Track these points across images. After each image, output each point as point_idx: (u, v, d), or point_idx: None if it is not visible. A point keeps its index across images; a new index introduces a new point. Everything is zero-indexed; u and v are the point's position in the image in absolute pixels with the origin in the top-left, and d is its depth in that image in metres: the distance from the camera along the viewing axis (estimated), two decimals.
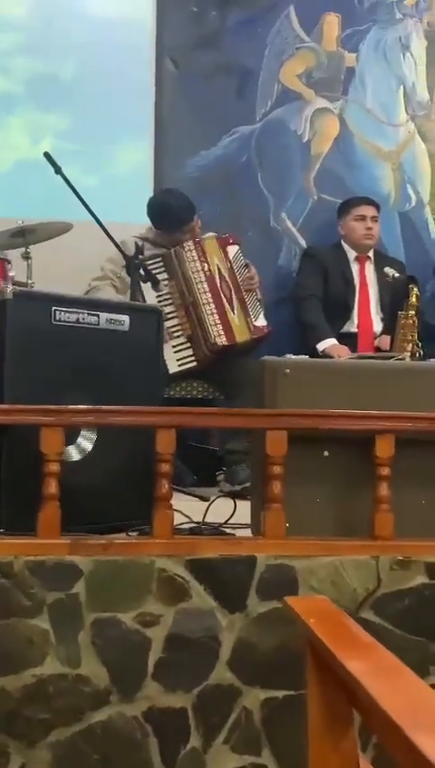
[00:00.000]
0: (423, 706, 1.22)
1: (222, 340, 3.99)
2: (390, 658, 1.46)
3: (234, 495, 3.00)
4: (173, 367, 3.91)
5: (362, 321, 4.54)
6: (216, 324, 4.00)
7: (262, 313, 4.17)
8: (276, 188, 4.86)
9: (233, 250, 4.20)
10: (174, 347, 3.97)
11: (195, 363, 4.02)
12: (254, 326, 4.10)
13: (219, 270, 4.11)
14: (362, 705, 1.36)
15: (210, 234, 4.23)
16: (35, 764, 2.41)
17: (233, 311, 4.06)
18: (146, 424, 2.59)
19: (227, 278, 4.12)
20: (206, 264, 4.07)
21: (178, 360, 3.99)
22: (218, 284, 4.07)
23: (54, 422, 2.51)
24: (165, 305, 3.96)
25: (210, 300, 4.02)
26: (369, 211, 4.60)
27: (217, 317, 4.01)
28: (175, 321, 4.01)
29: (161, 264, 4.06)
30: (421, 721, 1.15)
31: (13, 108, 4.83)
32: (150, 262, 3.97)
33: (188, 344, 4.03)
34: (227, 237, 4.22)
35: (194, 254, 4.06)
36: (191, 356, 4.02)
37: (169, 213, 4.23)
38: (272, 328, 4.19)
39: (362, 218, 4.58)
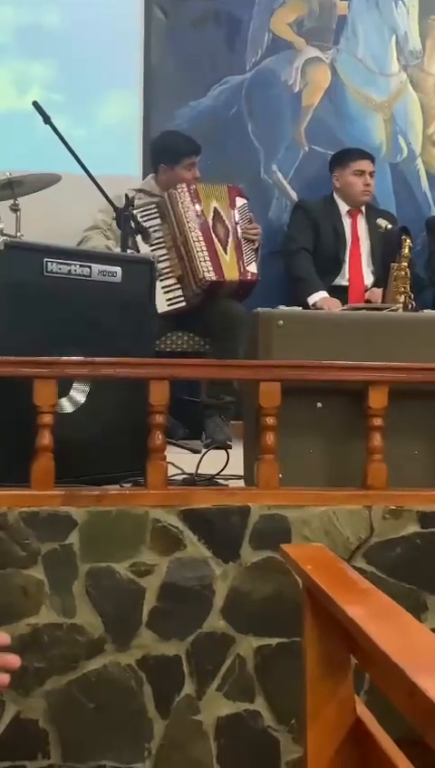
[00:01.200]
0: (423, 648, 1.23)
1: (211, 276, 4.01)
2: (388, 602, 1.47)
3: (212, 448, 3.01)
4: (162, 307, 3.91)
5: (353, 274, 4.52)
6: (205, 260, 4.02)
7: (254, 263, 4.18)
8: (267, 140, 4.81)
9: (241, 202, 4.24)
10: (163, 288, 3.99)
11: (184, 303, 4.05)
12: (245, 269, 4.11)
13: (217, 212, 4.14)
14: (362, 648, 1.37)
15: (224, 185, 4.25)
16: (30, 713, 2.43)
17: (226, 251, 4.08)
18: (139, 376, 2.58)
19: (227, 222, 4.14)
20: (198, 205, 4.10)
21: (167, 300, 4.01)
22: (210, 225, 4.10)
23: (47, 374, 2.50)
24: (157, 248, 3.97)
25: (200, 237, 4.05)
26: (368, 166, 4.56)
27: (207, 254, 4.05)
28: (166, 264, 4.03)
29: (155, 209, 4.07)
30: (422, 662, 1.16)
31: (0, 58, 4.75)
32: (144, 209, 3.98)
33: (178, 285, 4.06)
34: (235, 188, 4.26)
35: (186, 195, 4.10)
36: (180, 296, 4.05)
37: (175, 143, 4.31)
38: (260, 278, 4.19)
39: (361, 173, 4.54)
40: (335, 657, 1.66)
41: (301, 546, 2.31)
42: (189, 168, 4.26)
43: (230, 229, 4.15)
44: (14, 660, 1.17)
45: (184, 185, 4.14)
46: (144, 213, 4.01)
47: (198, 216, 4.09)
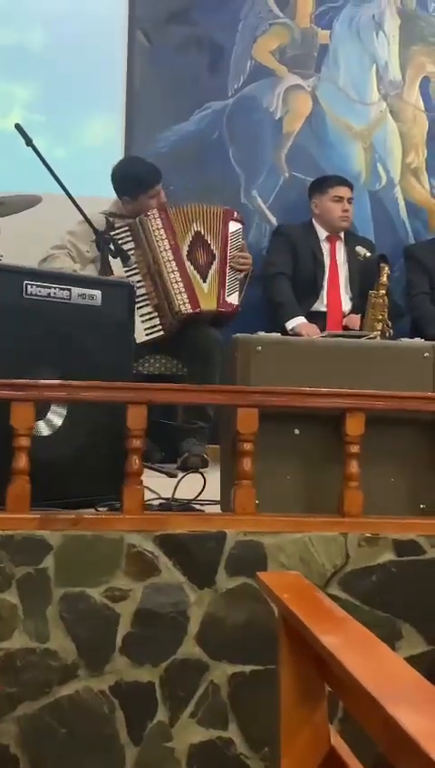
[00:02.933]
0: (398, 679, 1.23)
1: (187, 308, 4.00)
2: (363, 632, 1.47)
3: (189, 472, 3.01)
4: (140, 336, 3.91)
5: (332, 300, 4.55)
6: (181, 292, 4.00)
7: (237, 293, 4.16)
8: (248, 165, 4.84)
9: (234, 227, 4.20)
10: (141, 316, 3.97)
11: (162, 333, 4.03)
12: (224, 300, 4.09)
13: (200, 236, 4.09)
14: (336, 678, 1.37)
15: (219, 206, 4.23)
16: (2, 738, 2.41)
17: (205, 278, 4.06)
18: (117, 399, 2.58)
19: (213, 246, 4.11)
20: (171, 232, 4.05)
21: (145, 329, 3.99)
22: (185, 252, 4.05)
23: (25, 396, 2.49)
24: (132, 275, 3.97)
25: (175, 268, 4.02)
26: (346, 192, 4.60)
27: (182, 285, 4.01)
28: (142, 291, 4.01)
29: (128, 233, 4.05)
30: (396, 692, 1.16)
31: None
32: (118, 232, 3.97)
33: (156, 313, 4.04)
34: (233, 212, 4.24)
35: (158, 221, 4.06)
36: (158, 325, 4.03)
37: (134, 176, 4.24)
38: (241, 308, 4.18)
39: (340, 200, 4.58)
40: (310, 686, 1.66)
41: (277, 574, 2.31)
42: (153, 197, 4.20)
43: (216, 254, 4.12)
44: None
45: (155, 210, 4.10)
46: (118, 236, 3.99)
47: (171, 243, 4.05)
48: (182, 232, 4.10)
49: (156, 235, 4.05)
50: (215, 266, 4.10)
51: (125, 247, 3.94)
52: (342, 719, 2.29)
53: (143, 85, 4.78)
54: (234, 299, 4.13)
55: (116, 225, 4.04)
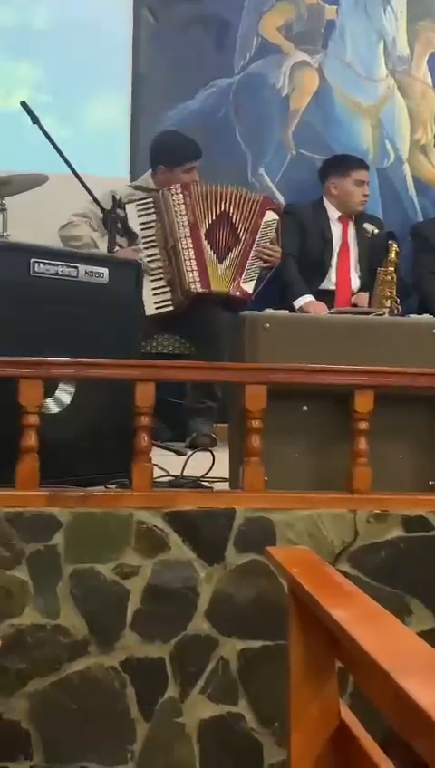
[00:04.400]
0: (409, 652, 1.23)
1: (196, 287, 3.98)
2: (373, 606, 1.47)
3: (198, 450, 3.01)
4: (150, 309, 3.89)
5: (341, 278, 4.53)
6: (193, 270, 3.98)
7: (253, 282, 4.11)
8: (254, 143, 4.81)
9: (270, 216, 4.15)
10: (153, 289, 3.95)
11: (171, 308, 4.01)
12: (238, 285, 4.06)
13: (227, 216, 4.04)
14: (347, 652, 1.37)
15: (260, 194, 4.19)
16: (12, 714, 2.43)
17: (221, 260, 4.03)
18: (126, 377, 2.58)
19: (242, 231, 4.06)
20: (192, 209, 4.02)
21: (155, 303, 3.98)
22: (204, 231, 4.02)
23: (33, 374, 2.49)
24: (150, 247, 3.95)
25: (190, 245, 4.00)
26: (366, 176, 4.57)
27: (195, 263, 3.99)
28: (158, 264, 3.99)
29: (151, 204, 4.03)
30: (407, 665, 1.16)
31: None
32: (141, 203, 3.95)
33: (168, 288, 4.02)
34: (272, 201, 4.19)
35: (180, 196, 4.03)
36: (169, 300, 4.02)
37: (177, 146, 4.23)
38: (253, 298, 4.14)
39: (361, 183, 4.55)
40: (320, 660, 1.66)
41: (286, 549, 2.32)
42: (189, 172, 4.19)
43: (242, 239, 4.08)
44: None
45: (178, 186, 4.06)
46: (140, 207, 3.98)
47: (190, 220, 4.03)
48: (205, 210, 4.06)
49: (175, 211, 4.02)
50: (238, 249, 4.06)
51: (146, 219, 3.93)
52: (352, 694, 2.29)
53: (149, 63, 4.75)
54: (249, 287, 4.08)
55: (139, 197, 4.03)
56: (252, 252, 4.08)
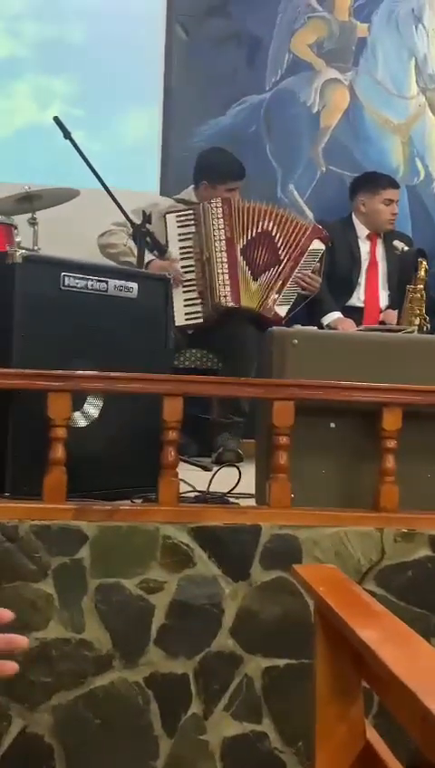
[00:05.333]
0: None
1: (226, 301, 3.98)
2: (401, 627, 1.46)
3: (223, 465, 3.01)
4: (180, 319, 3.89)
5: (369, 296, 4.52)
6: (224, 284, 3.98)
7: (288, 306, 4.07)
8: (284, 159, 4.83)
9: (317, 245, 4.11)
10: (185, 300, 3.96)
11: (201, 320, 4.01)
12: (272, 307, 4.03)
13: (269, 236, 4.03)
14: (374, 672, 1.36)
15: (310, 223, 4.19)
16: (36, 727, 2.42)
17: (255, 278, 4.02)
18: (153, 391, 2.58)
19: (284, 253, 4.05)
20: (230, 223, 4.01)
21: (185, 314, 3.98)
22: (241, 247, 4.02)
23: (62, 387, 2.50)
24: (185, 257, 3.96)
25: (224, 259, 4.00)
26: (396, 195, 4.55)
27: (228, 277, 3.99)
28: (192, 275, 4.00)
29: (192, 216, 4.04)
30: None
31: (20, 72, 4.79)
32: (181, 213, 3.97)
33: (199, 300, 4.02)
34: (322, 231, 4.14)
35: (219, 210, 4.02)
36: (199, 312, 4.02)
37: (224, 164, 4.25)
38: (281, 321, 4.11)
39: (390, 203, 4.53)
40: (346, 680, 1.65)
41: (313, 567, 2.30)
42: (230, 192, 4.18)
43: (284, 260, 4.05)
44: (21, 640, 1.08)
45: (219, 199, 4.06)
46: (180, 218, 4.00)
47: (226, 235, 4.03)
48: (245, 226, 4.04)
49: (214, 224, 4.03)
50: (277, 270, 4.05)
51: (185, 231, 3.95)
52: (377, 714, 2.27)
53: (181, 79, 4.78)
54: (282, 310, 4.04)
55: (180, 209, 4.05)
56: (292, 276, 4.07)
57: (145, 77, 4.81)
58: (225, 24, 4.83)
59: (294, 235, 4.08)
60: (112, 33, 4.76)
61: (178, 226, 3.98)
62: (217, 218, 4.01)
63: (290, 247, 4.07)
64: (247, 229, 4.04)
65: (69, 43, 4.80)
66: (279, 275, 4.05)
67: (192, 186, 4.29)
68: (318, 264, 4.12)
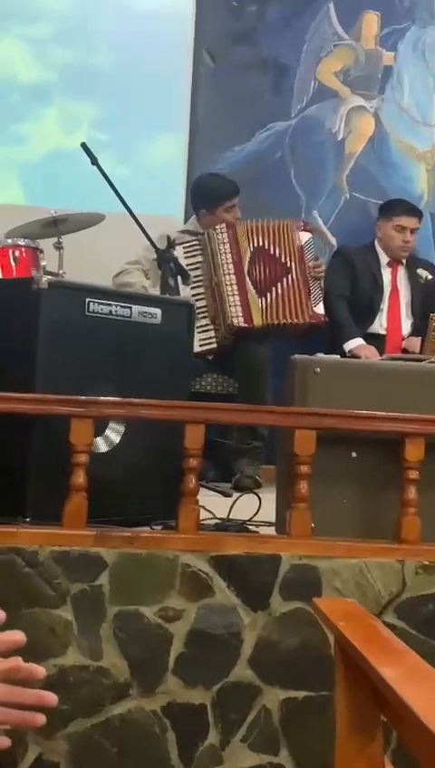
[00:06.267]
0: None
1: (239, 321, 4.03)
2: (422, 665, 1.45)
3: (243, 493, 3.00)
4: (195, 347, 3.92)
5: (392, 323, 4.51)
6: (235, 306, 4.03)
7: (322, 303, 4.17)
8: (309, 186, 4.84)
9: (305, 236, 4.21)
10: (197, 328, 3.99)
11: (214, 345, 4.05)
12: (313, 311, 4.10)
13: (263, 250, 4.10)
14: (394, 711, 1.35)
15: (285, 220, 4.25)
16: (52, 755, 2.41)
17: (262, 295, 4.06)
18: (176, 418, 2.59)
19: (285, 259, 4.11)
20: (235, 246, 4.08)
21: (199, 340, 4.01)
22: (246, 267, 4.07)
23: (85, 413, 2.51)
24: (196, 287, 4.00)
25: (234, 281, 4.06)
26: (410, 223, 4.53)
27: (238, 299, 4.04)
28: (202, 303, 4.04)
29: (198, 246, 4.09)
30: None
31: (48, 97, 4.84)
32: (188, 245, 4.01)
33: (211, 326, 4.06)
34: (299, 222, 4.24)
35: (224, 236, 4.10)
36: (213, 338, 4.05)
37: (213, 188, 4.31)
38: (326, 319, 4.18)
39: (402, 229, 4.52)
40: (366, 716, 1.63)
41: (333, 600, 2.28)
42: (229, 211, 4.26)
43: (292, 267, 4.11)
44: (50, 698, 1.08)
45: (223, 225, 4.13)
46: (187, 250, 4.04)
47: (234, 258, 4.09)
48: (244, 247, 4.12)
49: (220, 249, 4.08)
50: (291, 278, 4.09)
51: (192, 261, 3.99)
52: (395, 750, 2.25)
53: (207, 105, 4.81)
54: (320, 309, 4.15)
55: (187, 240, 4.09)
56: (308, 275, 4.12)
57: (171, 103, 4.85)
58: (251, 52, 4.85)
59: (283, 238, 4.15)
60: (140, 59, 4.80)
61: (186, 257, 4.01)
62: (223, 243, 4.09)
63: (288, 252, 4.14)
64: (247, 250, 4.09)
65: (97, 69, 4.85)
66: (297, 281, 4.09)
67: (194, 216, 4.34)
68: (315, 251, 4.22)
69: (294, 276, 4.12)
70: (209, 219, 4.25)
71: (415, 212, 4.58)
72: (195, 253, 4.08)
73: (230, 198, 4.26)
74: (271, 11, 4.86)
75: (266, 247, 4.14)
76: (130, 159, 4.83)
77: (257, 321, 4.06)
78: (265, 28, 4.85)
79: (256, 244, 4.14)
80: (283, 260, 4.13)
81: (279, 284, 4.11)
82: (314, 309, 4.12)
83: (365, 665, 1.47)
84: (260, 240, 4.14)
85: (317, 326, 4.15)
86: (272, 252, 4.14)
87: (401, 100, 4.95)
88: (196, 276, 4.05)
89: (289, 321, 4.06)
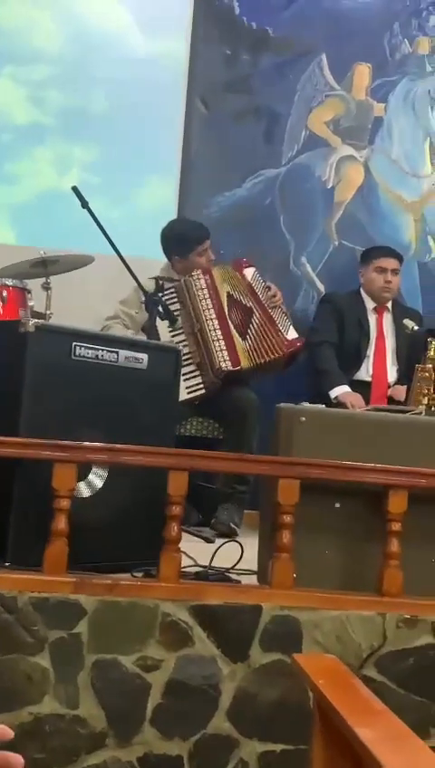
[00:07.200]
0: None
1: (227, 366, 4.03)
2: (400, 726, 1.44)
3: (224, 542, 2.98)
4: (183, 395, 3.92)
5: (377, 370, 4.53)
6: (222, 350, 4.04)
7: (291, 326, 4.18)
8: (298, 232, 4.88)
9: (250, 272, 4.23)
10: (183, 375, 3.98)
11: (203, 391, 4.05)
12: (287, 340, 4.11)
13: (230, 296, 4.14)
14: None
15: (228, 263, 4.28)
16: None
17: (243, 337, 4.08)
18: (159, 465, 2.58)
19: (246, 301, 4.14)
20: (214, 292, 4.10)
21: (187, 387, 4.00)
22: (226, 311, 4.09)
23: (68, 458, 2.50)
24: (177, 334, 4.00)
25: (217, 326, 4.07)
26: (390, 264, 4.58)
27: (224, 343, 4.05)
28: (186, 350, 4.03)
29: (174, 294, 4.10)
30: None
31: (42, 139, 4.87)
32: (165, 293, 4.02)
33: (197, 372, 4.06)
34: (240, 261, 4.26)
35: (202, 281, 4.12)
36: (200, 384, 4.05)
37: (182, 234, 4.31)
38: (303, 341, 4.19)
39: (383, 270, 4.57)
40: None
41: (313, 657, 2.27)
42: (201, 255, 4.26)
43: (252, 306, 4.14)
44: (16, 761, 1.02)
45: (199, 272, 4.14)
46: (165, 297, 4.04)
47: (214, 303, 4.10)
48: (223, 291, 4.15)
49: (199, 295, 4.10)
50: (257, 317, 4.12)
51: (171, 308, 3.98)
52: None
53: (199, 151, 4.85)
54: (293, 333, 4.15)
55: (165, 287, 4.08)
56: (268, 309, 4.14)
57: (164, 147, 4.89)
58: (244, 99, 4.91)
59: (237, 281, 4.18)
60: (133, 103, 4.85)
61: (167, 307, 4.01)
62: (202, 289, 4.10)
63: (244, 294, 4.16)
64: (223, 294, 4.12)
65: (90, 112, 4.89)
66: (263, 318, 4.11)
67: (167, 262, 4.35)
68: (266, 283, 4.22)
69: (258, 314, 4.14)
70: (183, 265, 4.26)
71: (393, 253, 4.62)
72: (173, 300, 4.08)
73: (201, 242, 4.27)
74: (264, 60, 4.92)
75: (230, 293, 4.17)
76: (122, 202, 4.86)
77: (245, 363, 4.07)
78: (258, 76, 4.91)
79: (226, 291, 4.16)
80: (243, 302, 4.16)
81: (250, 326, 4.13)
82: (288, 337, 4.13)
83: (343, 725, 1.46)
84: (226, 287, 4.17)
85: (297, 352, 4.15)
86: (235, 297, 4.17)
87: (391, 150, 5.01)
88: (177, 325, 4.05)
89: (272, 357, 4.07)
